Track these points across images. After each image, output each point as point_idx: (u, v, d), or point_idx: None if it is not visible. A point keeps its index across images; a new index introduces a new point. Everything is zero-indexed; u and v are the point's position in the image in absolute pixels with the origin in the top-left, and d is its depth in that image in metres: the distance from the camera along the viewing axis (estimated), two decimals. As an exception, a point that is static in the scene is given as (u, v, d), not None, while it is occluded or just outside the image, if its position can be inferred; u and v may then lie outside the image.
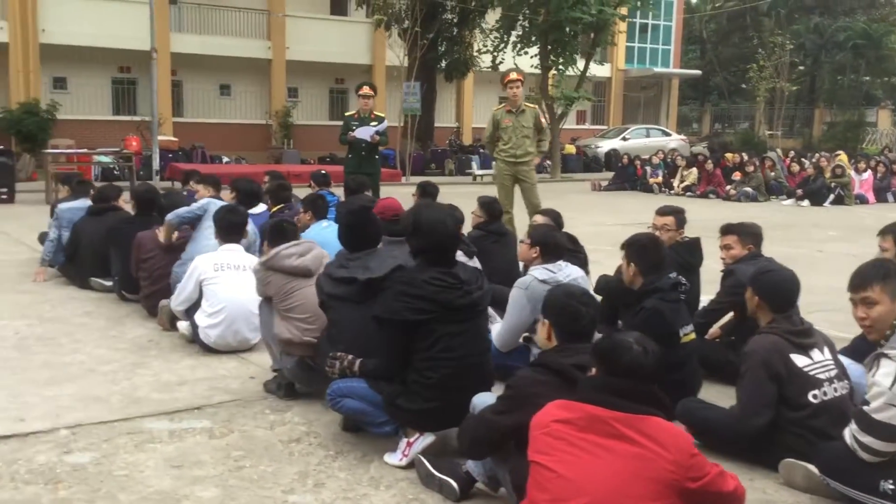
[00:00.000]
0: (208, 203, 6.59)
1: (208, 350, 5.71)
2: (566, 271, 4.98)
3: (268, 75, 29.31)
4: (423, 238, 3.85)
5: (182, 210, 6.57)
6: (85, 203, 8.09)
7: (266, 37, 29.16)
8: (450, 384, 3.74)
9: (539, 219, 6.54)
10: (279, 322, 4.75)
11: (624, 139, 31.38)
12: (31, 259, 9.23)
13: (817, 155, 20.57)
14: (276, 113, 28.81)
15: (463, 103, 33.91)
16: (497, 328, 5.10)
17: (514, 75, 9.79)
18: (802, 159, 19.59)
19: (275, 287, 4.76)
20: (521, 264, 5.70)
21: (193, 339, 5.90)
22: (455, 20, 27.82)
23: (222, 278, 5.72)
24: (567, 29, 23.16)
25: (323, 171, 9.17)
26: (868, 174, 18.11)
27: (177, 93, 28.42)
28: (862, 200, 17.39)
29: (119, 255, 7.09)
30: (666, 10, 38.28)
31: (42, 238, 9.11)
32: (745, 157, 18.85)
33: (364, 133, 10.64)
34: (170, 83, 26.96)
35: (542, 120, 9.83)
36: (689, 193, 18.77)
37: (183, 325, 5.99)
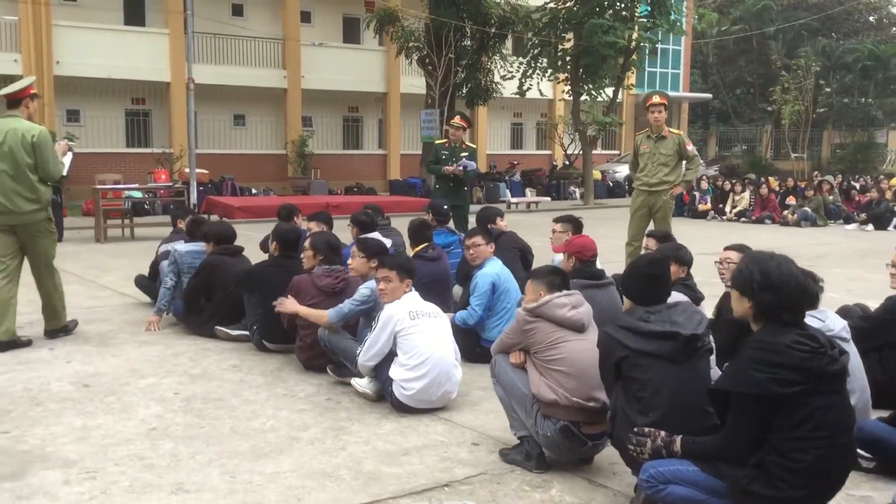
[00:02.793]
0: (372, 291, 5.66)
1: (402, 409, 5.13)
2: (831, 320, 4.48)
3: (283, 104, 28.85)
4: (776, 293, 3.29)
5: (346, 307, 5.72)
6: (202, 245, 7.49)
7: (281, 66, 28.70)
8: (820, 468, 3.19)
9: (731, 255, 6.04)
10: (538, 379, 4.19)
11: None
12: (125, 305, 8.64)
13: (878, 178, 20.22)
14: (291, 142, 28.29)
15: (477, 130, 33.54)
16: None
17: (656, 98, 9.22)
18: (852, 183, 19.23)
19: (539, 336, 4.20)
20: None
21: (377, 398, 5.33)
22: (474, 46, 27.49)
23: (420, 327, 5.15)
24: (600, 54, 22.79)
25: (445, 207, 8.58)
26: (929, 197, 17.80)
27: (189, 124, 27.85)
28: (927, 224, 17.05)
29: (261, 300, 6.50)
30: (671, 36, 38.16)
31: (141, 283, 8.53)
32: (805, 181, 18.47)
33: (464, 165, 10.10)
34: (185, 114, 26.36)
35: (689, 147, 9.21)
36: (742, 219, 18.35)
37: (363, 382, 5.40)
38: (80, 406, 5.28)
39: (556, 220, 7.28)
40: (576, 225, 7.32)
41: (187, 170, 20.13)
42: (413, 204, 19.52)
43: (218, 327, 7.03)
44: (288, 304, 5.97)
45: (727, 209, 18.90)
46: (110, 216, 14.83)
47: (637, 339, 3.62)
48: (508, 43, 28.19)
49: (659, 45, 37.70)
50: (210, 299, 7.12)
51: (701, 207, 19.49)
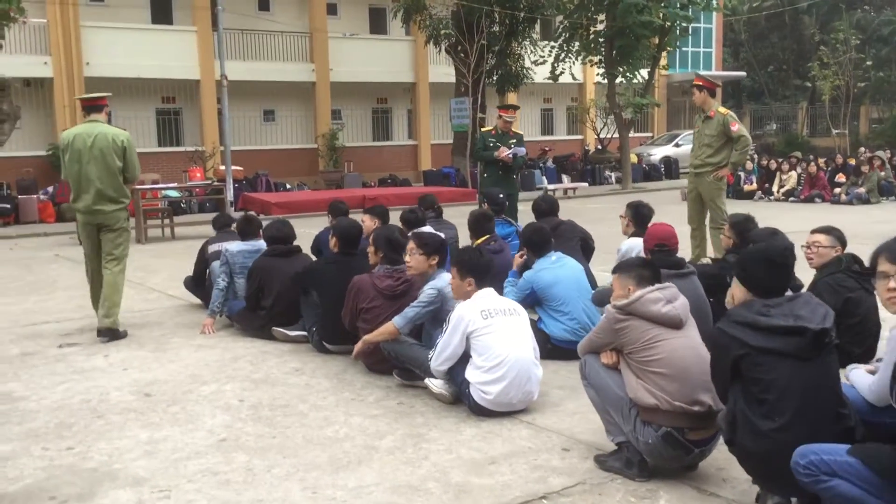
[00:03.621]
0: (438, 291, 5.45)
1: (481, 412, 4.86)
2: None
3: (312, 98, 28.63)
4: None
5: (411, 312, 5.44)
6: (256, 244, 7.27)
7: (309, 59, 28.48)
8: None
9: (820, 238, 5.70)
10: (634, 382, 3.89)
11: (676, 146, 30.62)
12: (177, 307, 8.45)
13: None
14: (322, 136, 28.08)
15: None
16: (865, 379, 4.22)
17: (694, 79, 9.02)
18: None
19: (633, 335, 3.89)
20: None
21: (453, 399, 5.07)
22: (504, 32, 27.08)
23: (494, 326, 4.87)
24: (634, 35, 22.31)
25: (501, 195, 8.29)
26: None
27: (221, 121, 27.70)
28: (982, 199, 16.53)
29: (320, 300, 6.26)
30: (703, 13, 37.47)
31: (189, 284, 8.32)
32: (861, 156, 17.91)
33: (514, 151, 9.80)
34: (216, 111, 26.25)
35: (733, 127, 8.86)
36: (791, 199, 17.87)
37: (438, 383, 5.13)
38: (144, 417, 5.06)
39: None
40: (634, 211, 7.02)
41: (222, 167, 19.96)
42: (450, 194, 19.24)
43: (276, 328, 6.80)
44: (357, 347, 5.69)
45: (774, 189, 18.42)
46: (149, 216, 14.67)
47: (758, 336, 3.31)
48: (538, 27, 27.77)
49: (690, 24, 37.17)
50: (264, 301, 6.88)
51: (747, 188, 19.01)
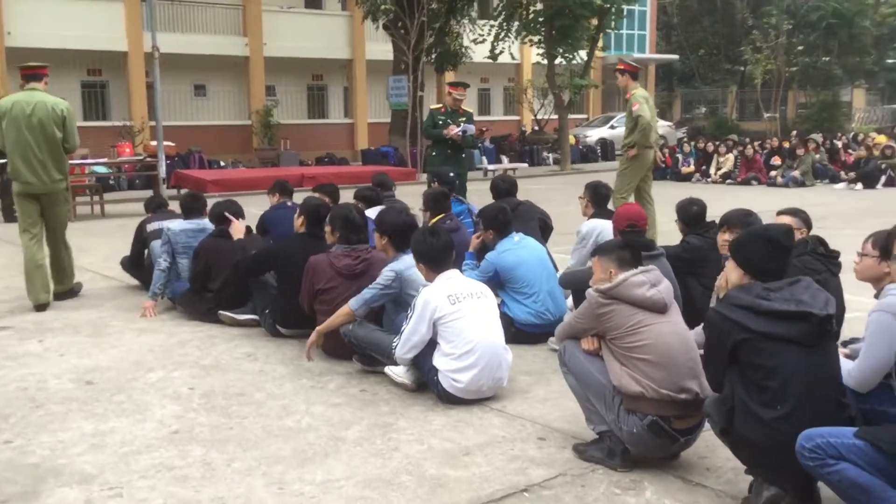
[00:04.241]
0: (396, 274, 5.19)
1: (449, 399, 4.66)
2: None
3: (245, 73, 27.97)
4: None
5: (368, 293, 5.16)
6: (201, 223, 6.92)
7: (242, 32, 27.75)
8: None
9: (786, 219, 5.61)
10: (618, 369, 3.72)
11: (612, 127, 30.83)
12: (112, 288, 8.04)
13: (869, 136, 20.03)
14: (256, 113, 27.43)
15: (445, 97, 32.86)
16: (845, 365, 4.13)
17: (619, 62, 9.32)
18: (835, 142, 19.02)
19: (617, 320, 3.72)
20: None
21: (417, 387, 4.86)
22: (443, 9, 26.73)
23: (463, 311, 4.66)
24: (573, 15, 22.22)
25: (452, 174, 8.09)
26: (915, 153, 17.63)
27: (150, 95, 26.80)
28: (911, 181, 16.91)
29: (280, 282, 5.96)
30: (639, -5, 37.73)
31: (126, 264, 7.92)
32: (794, 140, 18.20)
33: (462, 129, 9.59)
34: (144, 85, 25.38)
35: (634, 107, 9.01)
36: (728, 181, 18.07)
37: (400, 371, 4.91)
38: (88, 407, 4.72)
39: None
40: (593, 192, 6.90)
41: (153, 143, 19.24)
42: (390, 174, 18.84)
43: (223, 312, 6.47)
44: (311, 340, 5.35)
45: (712, 171, 18.60)
46: (77, 193, 14.03)
47: (759, 321, 3.17)
48: (476, 5, 27.48)
49: (625, 6, 37.36)
50: (211, 283, 6.54)
51: (685, 170, 19.17)
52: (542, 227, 7.22)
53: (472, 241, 6.26)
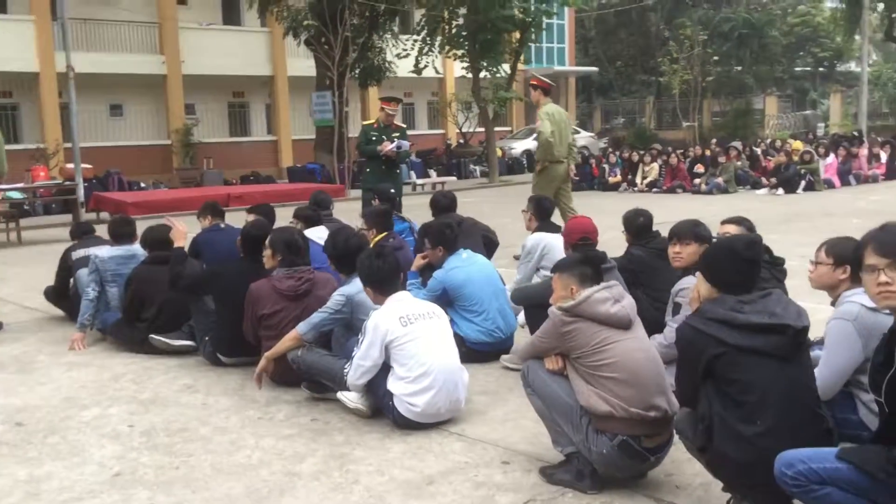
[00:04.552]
0: (347, 299, 4.96)
1: (406, 425, 4.49)
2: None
3: (163, 92, 27.34)
4: None
5: (317, 318, 4.95)
6: (131, 249, 6.61)
7: (159, 51, 27.15)
8: None
9: (731, 228, 5.60)
10: (585, 389, 3.62)
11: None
12: (38, 321, 7.64)
13: (787, 142, 20.55)
14: (175, 132, 26.83)
15: (368, 112, 32.74)
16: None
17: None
18: (754, 149, 19.49)
19: (582, 339, 3.62)
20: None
21: (372, 413, 4.68)
22: (365, 24, 26.58)
23: (416, 333, 4.50)
24: (496, 29, 22.33)
25: (393, 190, 7.95)
26: (832, 158, 18.13)
27: (64, 116, 25.98)
28: (829, 185, 17.36)
29: (219, 308, 5.71)
30: (559, 8, 38.17)
31: (51, 294, 7.53)
32: (715, 147, 18.56)
33: (397, 145, 9.47)
34: (57, 106, 24.56)
35: (537, 123, 9.53)
36: (654, 190, 18.33)
37: (353, 397, 4.72)
38: (19, 451, 4.41)
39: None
40: (536, 205, 6.84)
41: (69, 165, 18.57)
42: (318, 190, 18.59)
43: (154, 336, 6.15)
44: (260, 367, 5.12)
45: (638, 180, 18.85)
46: (-7, 220, 13.41)
47: (734, 334, 3.10)
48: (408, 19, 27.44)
49: (545, 20, 37.78)
50: (145, 313, 6.24)
51: (611, 180, 19.37)
52: (486, 244, 7.12)
53: (416, 259, 6.11)
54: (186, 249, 6.70)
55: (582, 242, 5.17)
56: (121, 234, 6.69)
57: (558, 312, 3.71)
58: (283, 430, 4.59)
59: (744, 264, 3.25)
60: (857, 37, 36.16)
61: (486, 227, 7.37)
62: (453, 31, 23.94)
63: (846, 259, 3.82)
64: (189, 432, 4.61)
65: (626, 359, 3.60)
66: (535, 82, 9.63)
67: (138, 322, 6.26)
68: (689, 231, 4.90)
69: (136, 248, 6.60)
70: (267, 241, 5.54)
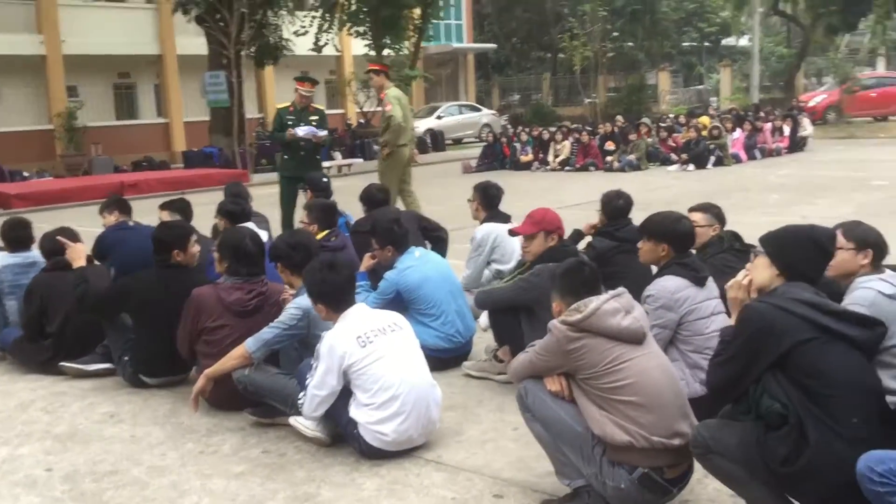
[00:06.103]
0: (304, 313, 4.35)
1: (375, 455, 3.95)
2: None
3: (42, 73, 25.62)
4: None
5: (267, 334, 4.34)
6: (29, 257, 5.80)
7: (36, 30, 25.39)
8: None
9: (698, 217, 5.24)
10: (598, 415, 3.17)
11: (438, 118, 30.75)
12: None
13: (694, 117, 20.65)
14: (57, 116, 25.18)
15: (265, 93, 31.62)
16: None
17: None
18: (660, 124, 19.51)
19: (592, 358, 3.16)
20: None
21: (332, 441, 4.12)
22: (259, 1, 25.45)
23: (378, 353, 3.94)
24: (397, 5, 21.67)
25: (326, 179, 7.33)
26: (738, 133, 18.24)
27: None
28: (737, 159, 17.46)
29: (138, 325, 5.02)
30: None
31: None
32: (622, 125, 18.43)
33: (306, 132, 8.83)
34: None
35: (387, 108, 9.32)
36: (567, 168, 18.11)
37: (310, 425, 4.14)
38: (-89, 514, 3.68)
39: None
40: (482, 193, 6.38)
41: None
42: (218, 176, 17.66)
43: (65, 364, 5.40)
44: (197, 386, 4.46)
45: (550, 159, 18.59)
46: None
47: (829, 319, 2.81)
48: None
49: (441, -4, 37.23)
50: (49, 327, 5.48)
51: (524, 159, 19.04)
52: (435, 242, 6.62)
53: (364, 260, 5.53)
54: (90, 251, 5.96)
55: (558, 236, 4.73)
56: (16, 238, 5.83)
57: (563, 328, 3.24)
58: (233, 468, 3.98)
59: (824, 260, 3.04)
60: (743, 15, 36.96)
61: (435, 224, 6.83)
62: (353, 6, 23.09)
63: (868, 243, 3.55)
64: (120, 475, 3.95)
65: (644, 379, 3.16)
66: (375, 67, 9.81)
67: (42, 338, 5.49)
68: (670, 230, 4.44)
69: (35, 254, 5.80)
70: (216, 244, 4.87)
